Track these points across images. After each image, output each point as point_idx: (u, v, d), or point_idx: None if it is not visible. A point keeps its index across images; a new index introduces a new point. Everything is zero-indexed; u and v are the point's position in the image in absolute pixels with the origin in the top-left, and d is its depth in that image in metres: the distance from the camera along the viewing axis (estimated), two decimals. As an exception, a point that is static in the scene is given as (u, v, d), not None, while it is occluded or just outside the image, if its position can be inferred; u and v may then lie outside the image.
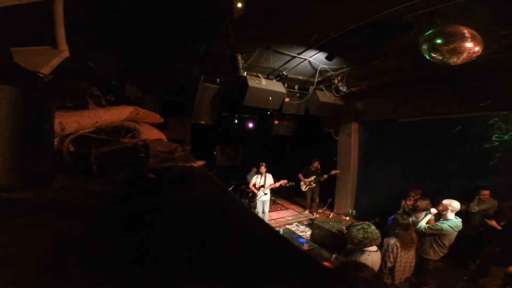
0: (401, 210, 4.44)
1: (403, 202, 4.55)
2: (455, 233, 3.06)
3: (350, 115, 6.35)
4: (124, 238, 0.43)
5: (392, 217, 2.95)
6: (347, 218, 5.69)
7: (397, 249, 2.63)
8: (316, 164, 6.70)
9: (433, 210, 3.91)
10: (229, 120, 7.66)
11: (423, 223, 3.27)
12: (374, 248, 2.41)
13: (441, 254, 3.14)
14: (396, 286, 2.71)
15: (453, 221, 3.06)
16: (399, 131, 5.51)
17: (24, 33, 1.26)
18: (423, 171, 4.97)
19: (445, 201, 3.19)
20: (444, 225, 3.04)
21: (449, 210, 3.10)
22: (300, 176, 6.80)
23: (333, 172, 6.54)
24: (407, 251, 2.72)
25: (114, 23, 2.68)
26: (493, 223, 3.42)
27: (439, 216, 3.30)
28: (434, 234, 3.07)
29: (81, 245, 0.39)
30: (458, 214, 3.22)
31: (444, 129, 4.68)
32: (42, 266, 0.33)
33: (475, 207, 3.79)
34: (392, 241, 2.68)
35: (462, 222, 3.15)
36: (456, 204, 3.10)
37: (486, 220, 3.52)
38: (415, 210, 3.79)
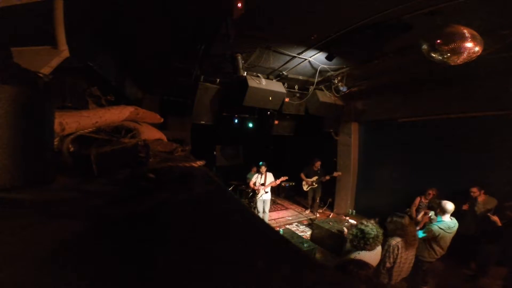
0: (413, 207, 4.49)
1: (418, 198, 4.56)
2: (449, 235, 3.00)
3: (350, 115, 6.35)
4: (124, 238, 0.43)
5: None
6: (347, 218, 5.69)
7: (398, 250, 2.60)
8: (317, 164, 6.70)
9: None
10: (229, 120, 7.66)
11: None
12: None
13: (436, 256, 3.10)
14: (395, 286, 2.71)
15: (445, 222, 3.00)
16: (399, 131, 5.52)
17: (24, 33, 1.26)
18: (423, 171, 4.97)
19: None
20: (434, 227, 3.00)
21: (439, 211, 3.07)
22: (302, 176, 6.81)
23: (335, 174, 6.54)
24: (409, 251, 2.69)
25: (114, 23, 2.68)
26: (496, 218, 3.44)
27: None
28: (428, 238, 3.03)
29: (81, 245, 0.39)
30: (460, 214, 3.22)
31: (444, 129, 4.69)
32: (42, 266, 0.33)
33: (479, 207, 3.81)
34: (394, 241, 2.63)
35: (464, 222, 3.17)
36: (449, 206, 3.02)
37: (488, 214, 3.52)
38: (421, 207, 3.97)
